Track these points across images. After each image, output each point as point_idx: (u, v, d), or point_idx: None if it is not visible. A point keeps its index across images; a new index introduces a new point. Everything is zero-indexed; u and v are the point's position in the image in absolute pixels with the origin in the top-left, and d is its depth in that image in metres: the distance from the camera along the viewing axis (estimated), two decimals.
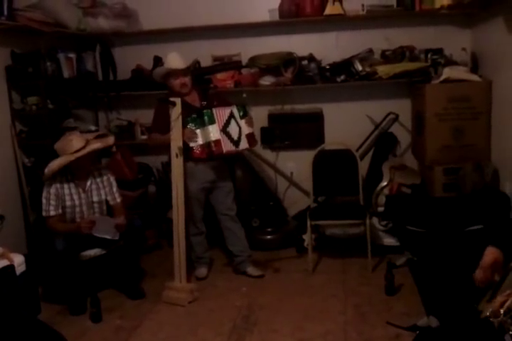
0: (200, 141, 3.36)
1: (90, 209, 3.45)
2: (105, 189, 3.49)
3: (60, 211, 3.34)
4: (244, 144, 3.44)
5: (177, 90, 3.49)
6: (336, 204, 4.17)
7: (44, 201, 3.31)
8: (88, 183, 3.42)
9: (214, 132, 3.34)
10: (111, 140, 3.46)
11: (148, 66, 4.46)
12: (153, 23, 4.43)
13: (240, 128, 3.43)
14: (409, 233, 3.33)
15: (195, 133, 3.34)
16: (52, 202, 3.31)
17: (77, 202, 3.39)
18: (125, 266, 3.45)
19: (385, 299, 3.23)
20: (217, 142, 3.33)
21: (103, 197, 3.49)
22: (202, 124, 3.35)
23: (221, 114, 3.38)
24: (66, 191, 3.36)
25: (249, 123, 3.49)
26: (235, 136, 3.41)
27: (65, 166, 3.32)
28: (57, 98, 4.01)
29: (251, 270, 3.72)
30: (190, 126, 3.35)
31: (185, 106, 3.39)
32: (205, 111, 3.36)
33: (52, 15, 3.85)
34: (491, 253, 2.06)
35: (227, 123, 3.39)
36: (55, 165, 3.30)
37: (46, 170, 3.32)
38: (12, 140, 3.79)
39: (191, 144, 3.35)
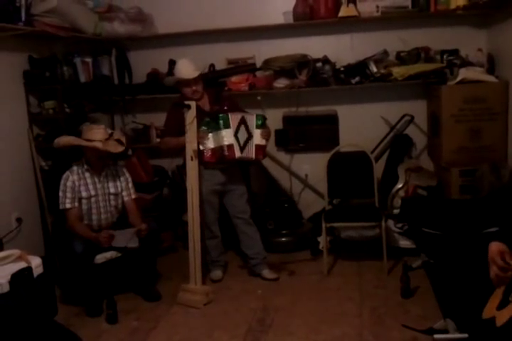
0: (210, 144, 3.37)
1: (106, 200, 3.49)
2: (121, 183, 3.54)
3: (77, 204, 3.38)
4: (248, 152, 3.40)
5: (189, 97, 3.49)
6: (351, 206, 4.15)
7: (61, 194, 3.37)
8: (103, 174, 3.48)
9: (228, 136, 3.35)
10: (121, 148, 3.44)
11: (163, 70, 4.50)
12: (168, 27, 4.45)
13: (249, 136, 3.41)
14: (425, 235, 3.30)
15: (207, 135, 3.36)
16: (68, 195, 3.36)
17: (92, 193, 3.43)
18: (141, 268, 3.47)
19: (401, 302, 3.21)
20: (230, 147, 3.35)
21: (119, 189, 3.53)
22: (216, 128, 3.36)
23: (235, 119, 3.39)
24: (82, 182, 3.41)
25: (265, 136, 3.44)
26: (242, 142, 3.40)
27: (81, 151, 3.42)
28: (74, 102, 4.06)
29: (266, 273, 3.71)
30: (203, 129, 3.36)
31: (196, 110, 3.41)
32: (220, 115, 3.36)
33: (68, 20, 3.90)
34: (493, 246, 2.04)
35: (238, 129, 3.39)
36: (64, 140, 3.38)
37: (56, 141, 3.40)
38: (29, 143, 3.85)
39: (201, 147, 3.36)
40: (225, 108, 3.53)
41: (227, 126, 3.36)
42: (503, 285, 1.98)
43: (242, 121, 3.41)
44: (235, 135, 3.37)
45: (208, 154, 3.38)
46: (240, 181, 3.71)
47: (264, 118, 3.48)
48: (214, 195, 3.60)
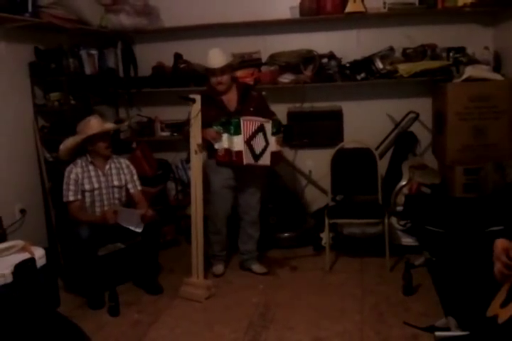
0: (225, 144, 3.36)
1: (110, 193, 3.50)
2: (126, 176, 3.56)
3: (80, 196, 3.40)
4: (265, 160, 3.40)
5: (214, 87, 3.46)
6: (354, 203, 4.15)
7: (64, 186, 3.39)
8: (107, 167, 3.50)
9: (238, 143, 3.32)
10: (124, 124, 3.53)
11: (168, 63, 4.50)
12: (174, 20, 4.45)
13: (266, 143, 3.40)
14: (428, 233, 3.30)
15: (220, 135, 3.34)
16: (72, 188, 3.38)
17: (96, 185, 3.44)
18: (143, 261, 3.48)
19: (402, 299, 3.21)
20: (239, 153, 3.32)
21: (123, 182, 3.55)
22: (228, 132, 3.33)
23: (249, 125, 3.35)
24: (86, 174, 3.43)
25: (279, 142, 3.45)
26: (258, 150, 3.38)
27: (84, 149, 3.43)
28: (79, 94, 4.05)
29: (256, 267, 3.74)
30: (219, 128, 3.34)
31: (218, 106, 3.39)
32: (232, 120, 3.32)
33: (74, 12, 3.90)
34: (499, 243, 2.04)
35: (253, 136, 3.36)
36: (69, 142, 3.40)
37: (61, 147, 3.42)
38: (34, 135, 3.85)
39: (216, 146, 3.36)
40: (251, 109, 3.48)
41: (237, 132, 3.31)
42: (507, 283, 1.99)
43: (260, 129, 3.38)
44: (248, 142, 3.34)
45: (221, 153, 3.38)
46: (255, 178, 3.64)
47: (279, 125, 3.47)
48: (228, 189, 3.57)
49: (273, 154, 3.43)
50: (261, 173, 3.68)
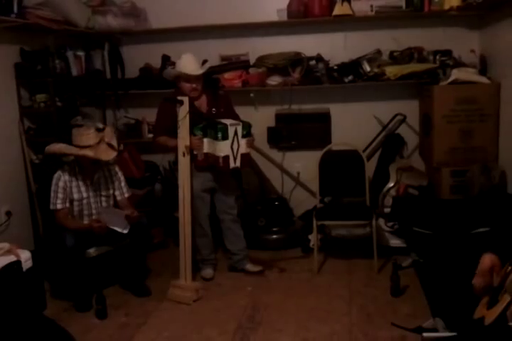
0: (205, 149, 3.36)
1: (98, 202, 3.46)
2: (114, 184, 3.51)
3: (68, 205, 3.35)
4: (237, 162, 3.40)
5: (186, 93, 3.43)
6: (342, 204, 4.15)
7: (52, 194, 3.33)
8: (96, 176, 3.44)
9: (224, 148, 3.30)
10: (112, 154, 3.38)
11: (156, 65, 4.48)
12: (161, 22, 4.44)
13: (238, 146, 3.39)
14: (415, 234, 3.32)
15: (202, 142, 3.33)
16: (60, 196, 3.32)
17: (84, 195, 3.40)
18: (131, 263, 3.46)
19: (390, 300, 3.22)
20: (226, 158, 3.32)
21: (111, 191, 3.50)
22: (213, 137, 3.32)
23: (232, 130, 3.34)
24: (74, 183, 3.37)
25: (249, 144, 3.44)
26: (235, 153, 3.38)
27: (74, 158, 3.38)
28: (66, 96, 4.02)
29: (250, 266, 3.74)
30: (199, 133, 3.33)
31: (191, 109, 3.38)
32: (219, 126, 3.30)
33: (61, 13, 3.88)
34: (487, 259, 2.04)
35: (233, 140, 3.36)
36: (55, 148, 3.35)
37: (46, 148, 3.37)
38: (20, 137, 3.82)
39: (195, 152, 3.36)
40: (222, 110, 3.50)
41: (225, 137, 3.30)
42: (485, 296, 2.00)
43: (236, 133, 3.37)
44: (232, 145, 3.34)
45: (200, 158, 3.38)
46: (231, 179, 3.71)
47: (249, 127, 3.45)
48: (206, 192, 3.59)
49: (243, 156, 3.41)
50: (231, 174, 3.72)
